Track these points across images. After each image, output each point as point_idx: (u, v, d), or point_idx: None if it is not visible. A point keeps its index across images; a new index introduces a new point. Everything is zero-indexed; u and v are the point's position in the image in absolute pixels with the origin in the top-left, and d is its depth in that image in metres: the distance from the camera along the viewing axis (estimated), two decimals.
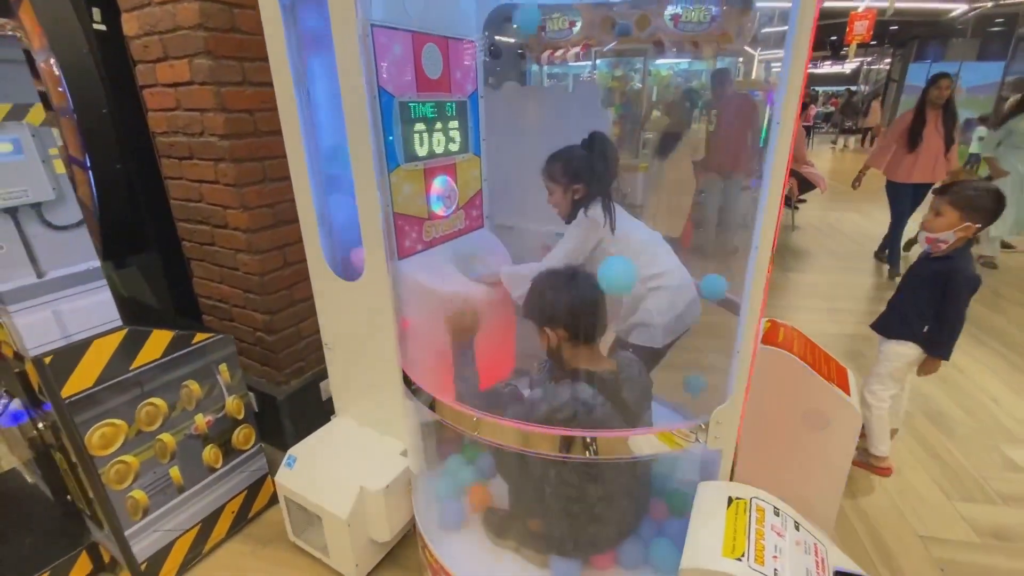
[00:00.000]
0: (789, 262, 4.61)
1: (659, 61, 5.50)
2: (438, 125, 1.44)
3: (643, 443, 1.02)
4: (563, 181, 1.51)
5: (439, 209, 1.49)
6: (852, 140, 14.16)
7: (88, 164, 2.03)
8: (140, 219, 2.17)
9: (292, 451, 1.62)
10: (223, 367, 1.63)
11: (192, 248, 2.11)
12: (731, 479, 1.19)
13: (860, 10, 10.92)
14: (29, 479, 1.85)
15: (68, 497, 1.58)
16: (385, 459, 1.54)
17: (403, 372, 1.24)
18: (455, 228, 1.60)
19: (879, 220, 5.92)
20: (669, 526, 1.29)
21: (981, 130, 8.72)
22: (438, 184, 1.47)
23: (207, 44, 1.64)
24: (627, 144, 5.43)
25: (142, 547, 1.48)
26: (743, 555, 0.81)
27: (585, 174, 1.48)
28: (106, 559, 1.59)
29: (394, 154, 1.30)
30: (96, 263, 1.31)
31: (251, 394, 2.11)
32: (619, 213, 1.54)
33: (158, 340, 1.45)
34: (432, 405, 1.13)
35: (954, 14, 11.48)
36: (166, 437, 1.51)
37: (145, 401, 1.44)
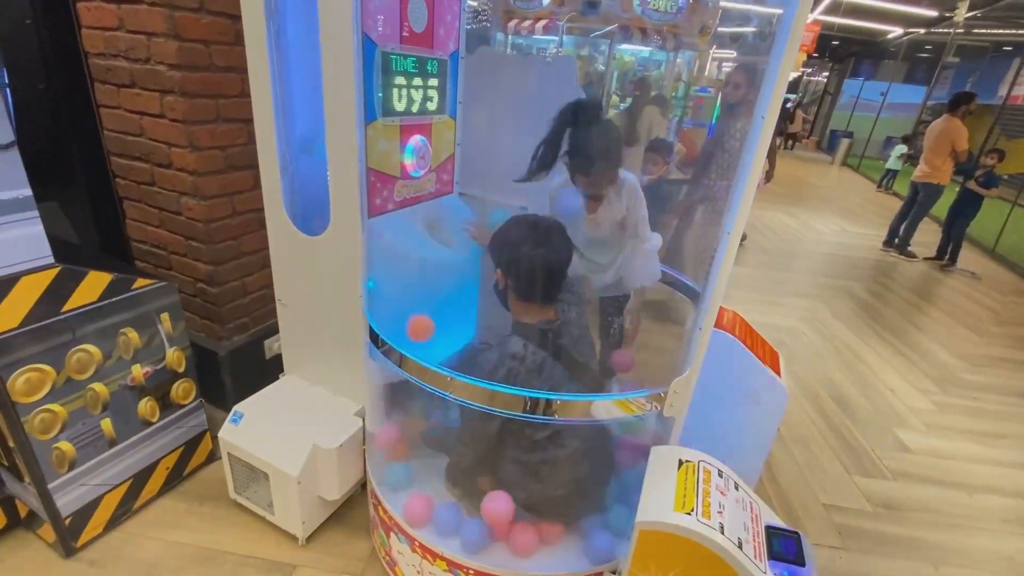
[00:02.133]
0: None
1: (624, 46, 5.56)
2: (418, 81, 1.39)
3: (603, 408, 1.07)
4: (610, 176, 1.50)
5: (413, 169, 1.46)
6: (778, 141, 15.07)
7: (6, 81, 1.79)
8: (65, 148, 1.95)
9: (238, 407, 1.56)
10: (164, 316, 1.53)
11: (127, 186, 1.93)
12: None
13: (808, 21, 11.53)
14: None
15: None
16: (338, 418, 1.53)
17: (371, 330, 1.22)
18: (426, 191, 1.57)
19: (804, 222, 6.40)
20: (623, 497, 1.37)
21: (900, 148, 9.55)
22: (414, 143, 1.44)
23: None
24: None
25: (66, 501, 1.39)
26: (692, 510, 0.89)
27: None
28: (23, 513, 1.48)
29: (372, 107, 1.25)
30: (27, 191, 1.18)
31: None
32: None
33: (94, 282, 1.33)
34: (401, 363, 1.12)
35: (890, 36, 12.36)
36: (98, 387, 1.40)
37: (77, 347, 1.33)
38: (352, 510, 1.67)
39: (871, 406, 2.62)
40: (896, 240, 5.53)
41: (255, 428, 1.51)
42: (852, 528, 1.85)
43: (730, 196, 0.93)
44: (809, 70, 19.35)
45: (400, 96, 1.34)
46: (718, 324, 1.63)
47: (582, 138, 1.37)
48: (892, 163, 9.63)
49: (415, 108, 1.42)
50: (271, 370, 1.85)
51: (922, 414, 2.60)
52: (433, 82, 1.46)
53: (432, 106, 1.49)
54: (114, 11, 1.62)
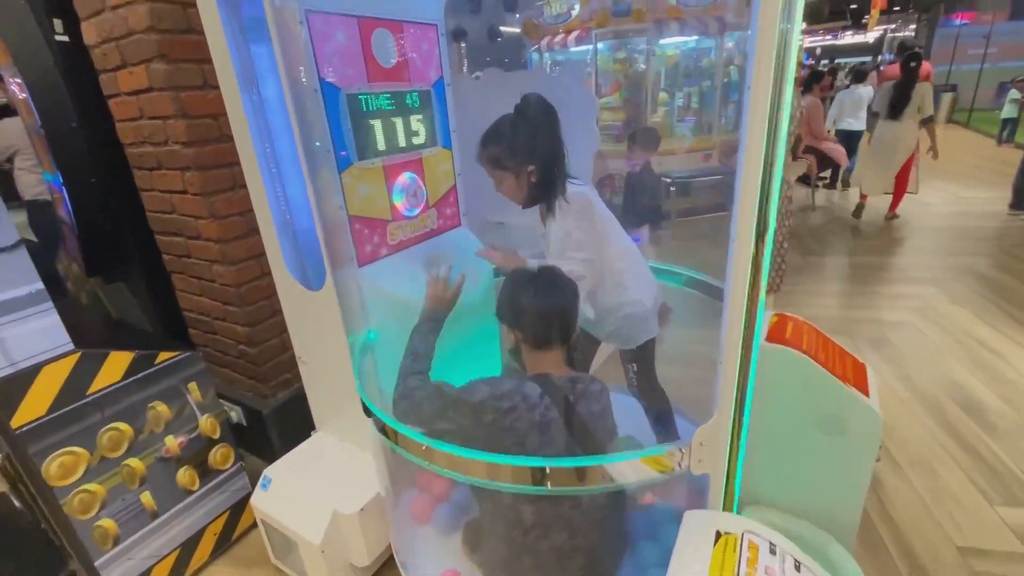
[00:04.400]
0: (810, 245, 4.37)
1: (665, 40, 5.30)
2: (398, 118, 1.32)
3: (625, 469, 0.89)
4: (511, 165, 1.30)
5: (404, 209, 1.38)
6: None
7: (61, 180, 1.98)
8: (120, 233, 2.12)
9: (268, 471, 1.54)
10: (192, 385, 1.55)
11: (171, 261, 2.05)
12: (735, 497, 1.06)
13: None
14: (17, 504, 1.82)
15: (43, 526, 1.54)
16: (362, 478, 1.45)
17: (361, 394, 1.14)
18: (426, 228, 1.49)
19: (908, 197, 5.58)
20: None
21: (1014, 92, 8.19)
22: (401, 182, 1.36)
23: (161, 47, 1.56)
24: (630, 128, 5.24)
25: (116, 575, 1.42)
26: None
27: (539, 148, 1.28)
28: None
29: (345, 152, 1.19)
30: (39, 285, 1.24)
31: (237, 408, 2.05)
32: (603, 216, 1.40)
33: (116, 362, 1.37)
34: (384, 430, 1.02)
35: None
36: (134, 462, 1.44)
37: (107, 426, 1.38)
38: (389, 571, 1.58)
39: (1014, 412, 2.11)
40: None
41: (283, 493, 1.48)
42: None
43: (733, 193, 0.73)
44: (892, 26, 17.42)
45: (378, 136, 1.28)
46: (779, 339, 1.36)
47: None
48: (1007, 111, 8.27)
49: (399, 145, 1.34)
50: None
51: None
52: (416, 116, 1.38)
53: (420, 140, 1.41)
54: (135, 102, 1.73)
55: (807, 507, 1.42)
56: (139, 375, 1.42)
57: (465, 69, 1.77)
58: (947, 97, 11.30)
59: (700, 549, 0.78)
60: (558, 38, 4.90)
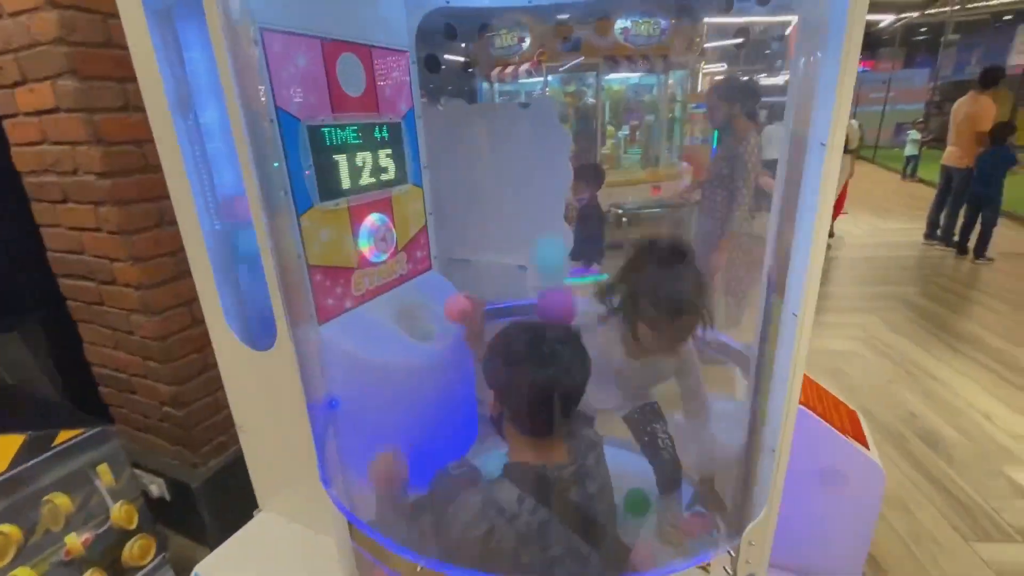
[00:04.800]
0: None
1: (611, 76, 5.43)
2: (365, 153, 1.16)
3: None
4: None
5: (372, 254, 1.21)
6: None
7: None
8: (13, 276, 1.78)
9: (199, 568, 1.27)
10: (103, 468, 1.28)
11: (79, 308, 1.74)
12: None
13: (792, 25, 11.40)
14: None
15: None
16: (319, 571, 1.22)
17: (326, 489, 0.94)
18: (396, 275, 1.32)
19: (837, 227, 5.99)
20: None
21: (913, 133, 9.14)
22: (369, 224, 1.19)
23: (72, 62, 1.32)
24: (584, 158, 5.30)
25: None
26: None
27: None
28: None
29: (305, 192, 1.02)
30: None
31: (159, 480, 1.75)
32: None
33: (2, 448, 1.09)
34: (359, 541, 0.83)
35: (882, 24, 12.13)
36: (23, 572, 1.14)
37: None
38: None
39: (968, 441, 2.19)
40: (938, 232, 5.08)
41: None
42: None
43: (790, 263, 0.64)
44: None
45: (343, 173, 1.11)
46: None
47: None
48: (909, 150, 9.21)
49: (366, 183, 1.18)
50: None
51: None
52: (385, 150, 1.22)
53: (389, 177, 1.25)
54: (36, 124, 1.46)
55: (811, 565, 1.35)
56: (31, 462, 1.14)
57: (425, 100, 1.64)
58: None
59: None
60: (508, 69, 4.89)
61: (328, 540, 1.31)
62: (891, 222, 6.16)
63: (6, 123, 1.54)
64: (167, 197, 1.51)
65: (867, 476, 1.25)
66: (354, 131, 1.12)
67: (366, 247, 1.19)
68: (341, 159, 1.09)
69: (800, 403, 1.27)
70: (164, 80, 1.10)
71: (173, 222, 1.57)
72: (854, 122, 5.32)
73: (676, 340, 1.15)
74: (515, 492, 0.84)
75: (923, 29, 12.45)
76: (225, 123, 1.11)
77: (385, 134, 1.22)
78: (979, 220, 4.50)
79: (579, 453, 0.91)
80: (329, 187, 1.07)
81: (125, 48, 1.13)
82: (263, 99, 0.93)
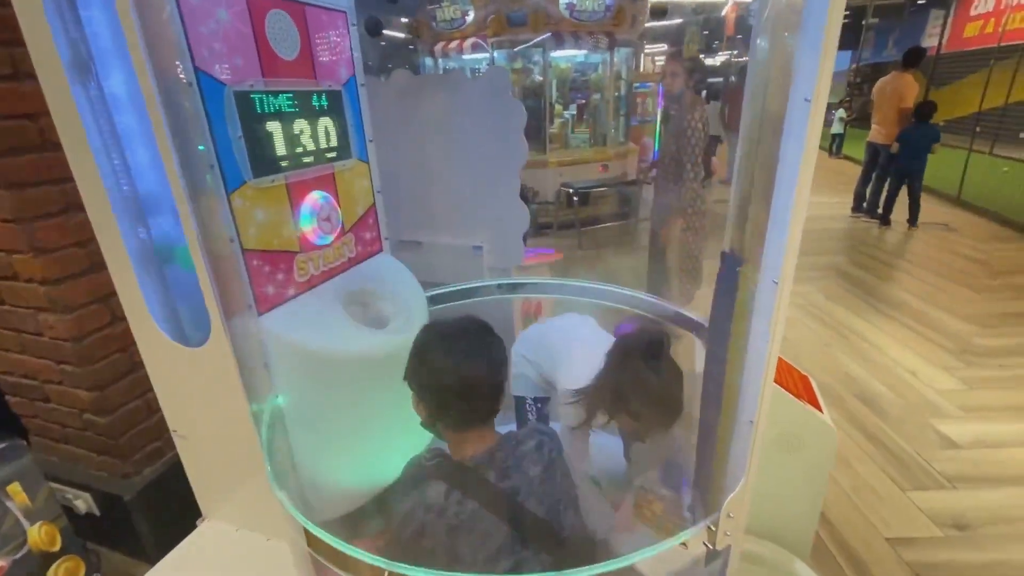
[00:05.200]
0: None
1: (557, 53, 5.38)
2: (302, 123, 1.05)
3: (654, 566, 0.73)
4: None
5: (316, 236, 1.11)
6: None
7: None
8: None
9: None
10: (14, 488, 1.13)
11: None
12: None
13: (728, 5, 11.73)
14: None
15: None
16: None
17: (276, 492, 0.86)
18: (343, 258, 1.22)
19: None
20: None
21: (840, 112, 9.68)
22: (311, 203, 1.09)
23: None
24: (534, 139, 5.25)
25: None
26: None
27: None
28: None
29: (235, 167, 0.91)
30: None
31: (84, 495, 1.58)
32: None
33: None
34: (311, 544, 0.76)
35: None
36: None
37: None
38: None
39: (899, 397, 2.35)
40: (864, 204, 5.42)
41: None
42: (928, 566, 1.54)
43: (768, 227, 0.61)
44: (735, 51, 19.79)
45: (278, 146, 1.00)
46: None
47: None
48: (836, 128, 9.76)
49: (305, 158, 1.07)
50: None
51: (953, 396, 2.34)
52: (325, 121, 1.12)
53: (330, 151, 1.15)
54: None
55: (767, 525, 1.40)
56: None
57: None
58: None
59: None
60: (453, 44, 4.73)
61: (282, 545, 1.23)
62: (820, 196, 6.51)
63: None
64: (70, 179, 1.35)
65: (821, 438, 1.30)
66: (289, 98, 1.01)
67: (308, 228, 1.09)
68: (275, 130, 0.98)
69: None
70: (57, 42, 0.94)
71: (81, 207, 1.41)
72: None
73: (663, 427, 1.17)
74: (443, 487, 0.83)
75: (846, 13, 13.12)
76: (135, 90, 0.97)
77: (324, 102, 1.11)
78: (907, 192, 4.82)
79: (513, 441, 0.91)
80: (263, 162, 0.96)
81: (8, 5, 0.96)
82: (179, 60, 0.81)
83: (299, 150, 1.05)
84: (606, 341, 1.33)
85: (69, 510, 1.53)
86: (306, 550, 0.82)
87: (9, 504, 1.13)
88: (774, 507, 1.40)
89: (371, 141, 1.30)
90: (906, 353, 2.71)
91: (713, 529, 0.68)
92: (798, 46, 0.51)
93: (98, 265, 1.44)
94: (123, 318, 1.51)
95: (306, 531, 0.79)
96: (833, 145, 9.94)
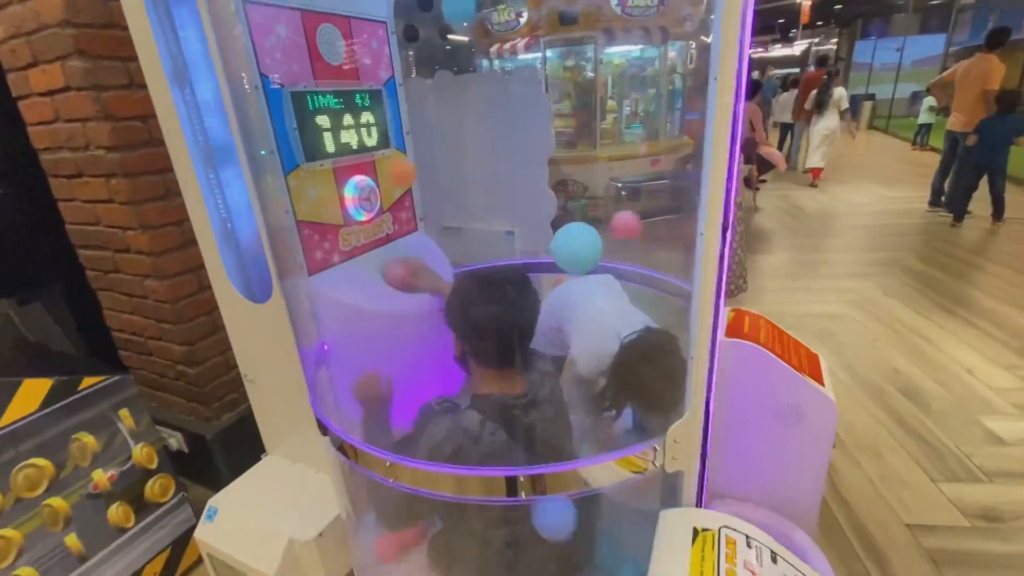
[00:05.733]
0: (753, 244, 4.56)
1: (610, 49, 5.42)
2: (347, 118, 1.26)
3: (599, 472, 0.86)
4: None
5: (357, 213, 1.31)
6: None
7: None
8: (35, 249, 1.93)
9: (213, 501, 1.42)
10: (123, 412, 1.42)
11: (97, 277, 1.88)
12: (702, 486, 1.05)
13: None
14: None
15: None
16: (319, 502, 1.36)
17: (314, 412, 1.06)
18: (382, 234, 1.42)
19: (836, 195, 5.98)
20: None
21: (929, 99, 8.93)
22: (354, 184, 1.30)
23: (78, 43, 1.43)
24: (584, 135, 5.33)
25: None
26: None
27: None
28: None
29: (291, 153, 1.12)
30: None
31: (177, 435, 1.90)
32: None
33: (31, 391, 1.23)
34: (342, 448, 0.95)
35: None
36: (56, 502, 1.29)
37: (23, 464, 1.22)
38: None
39: (948, 394, 2.26)
40: (943, 198, 5.05)
41: (231, 523, 1.36)
42: (948, 553, 1.52)
43: (700, 185, 0.72)
44: (816, 40, 18.66)
45: (327, 136, 1.21)
46: (738, 333, 1.39)
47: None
48: (923, 117, 9.02)
49: (351, 147, 1.28)
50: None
51: (1010, 394, 2.22)
52: (367, 116, 1.32)
53: (372, 141, 1.35)
54: (49, 103, 1.58)
55: (770, 497, 1.45)
56: (59, 404, 1.28)
57: (414, 73, 1.73)
58: (867, 105, 12.18)
59: (679, 548, 0.77)
60: (508, 45, 4.91)
61: (325, 477, 1.45)
62: (896, 190, 6.10)
63: (21, 104, 1.66)
64: (171, 169, 1.64)
65: (822, 410, 1.34)
66: (335, 97, 1.21)
67: (352, 205, 1.29)
68: (324, 123, 1.19)
69: (759, 344, 1.36)
70: (161, 57, 1.20)
71: (178, 193, 1.71)
72: (841, 89, 6.35)
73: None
74: (478, 418, 0.96)
75: None
76: (219, 95, 1.21)
77: (366, 100, 1.31)
78: (988, 190, 4.46)
79: (534, 384, 1.04)
80: (313, 149, 1.17)
81: (126, 28, 1.23)
82: (248, 67, 1.02)
83: (344, 140, 1.26)
84: (622, 310, 1.44)
85: (164, 447, 1.84)
86: (342, 471, 1.01)
87: (119, 425, 1.42)
88: (778, 478, 1.45)
89: (408, 133, 1.49)
90: (964, 350, 2.57)
91: (658, 449, 0.80)
92: (713, 30, 0.62)
93: (190, 242, 1.73)
94: (208, 288, 1.81)
95: (342, 447, 0.97)
96: (919, 135, 9.19)
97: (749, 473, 1.43)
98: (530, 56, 5.27)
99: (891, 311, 3.06)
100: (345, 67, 1.24)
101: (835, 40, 16.87)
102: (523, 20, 5.08)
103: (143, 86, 1.55)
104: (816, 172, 6.50)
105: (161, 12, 1.18)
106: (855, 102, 13.43)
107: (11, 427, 1.20)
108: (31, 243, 1.90)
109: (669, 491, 0.90)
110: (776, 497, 1.45)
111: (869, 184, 6.52)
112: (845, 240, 4.55)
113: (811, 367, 1.42)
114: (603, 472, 0.82)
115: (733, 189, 0.74)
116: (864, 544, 1.57)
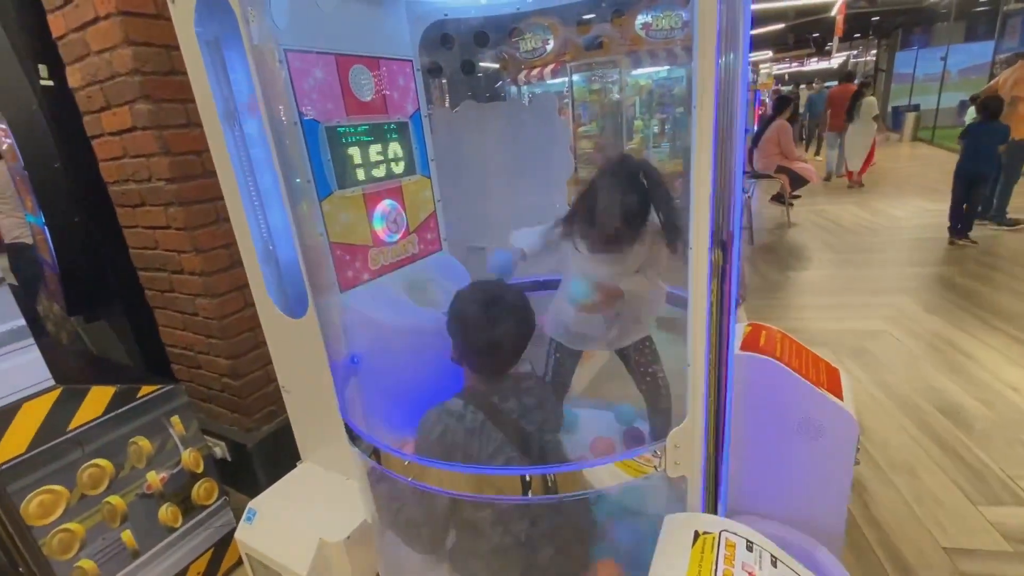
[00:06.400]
0: (788, 260, 4.48)
1: (636, 71, 5.51)
2: (376, 148, 1.37)
3: (603, 475, 0.91)
4: None
5: (385, 235, 1.42)
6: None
7: (44, 220, 2.00)
8: (102, 271, 2.12)
9: (253, 503, 1.52)
10: (175, 419, 1.55)
11: (154, 296, 2.06)
12: (722, 506, 1.07)
13: (837, 6, 10.94)
14: None
15: (20, 569, 1.49)
16: (348, 506, 1.44)
17: (343, 419, 1.15)
18: (408, 254, 1.52)
19: (876, 209, 5.81)
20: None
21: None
22: (382, 209, 1.40)
23: (144, 88, 1.61)
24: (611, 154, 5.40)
25: None
26: None
27: None
28: None
29: (325, 181, 1.24)
30: (20, 321, 1.25)
31: (221, 444, 2.03)
32: None
33: (98, 397, 1.37)
34: (375, 454, 1.04)
35: None
36: (114, 499, 1.42)
37: (88, 463, 1.36)
38: None
39: (991, 413, 2.17)
40: (991, 212, 4.84)
41: (268, 525, 1.46)
42: None
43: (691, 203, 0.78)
44: (855, 52, 18.26)
45: (357, 165, 1.32)
46: (754, 347, 1.41)
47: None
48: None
49: (379, 174, 1.39)
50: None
51: None
52: (395, 146, 1.43)
53: (399, 169, 1.46)
54: (119, 142, 1.77)
55: (794, 514, 1.44)
56: (120, 410, 1.42)
57: (447, 103, 1.87)
58: (911, 116, 11.79)
59: (679, 549, 0.80)
60: (535, 71, 5.07)
61: (355, 484, 1.53)
62: (940, 203, 5.86)
63: (95, 142, 1.87)
64: (221, 198, 1.81)
65: (841, 425, 1.34)
66: (365, 130, 1.33)
67: (380, 228, 1.40)
68: (355, 153, 1.31)
69: (775, 358, 1.38)
70: (215, 98, 1.34)
71: (227, 219, 1.87)
72: (872, 98, 7.07)
73: (610, 233, 1.28)
74: (462, 402, 1.07)
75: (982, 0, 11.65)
76: (261, 129, 1.35)
77: (394, 132, 1.43)
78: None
79: (516, 380, 1.14)
80: (346, 177, 1.29)
81: (185, 74, 1.39)
82: (288, 106, 1.15)
83: (373, 168, 1.37)
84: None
85: (210, 455, 1.98)
86: (367, 477, 1.09)
87: (171, 431, 1.55)
88: (799, 493, 1.45)
89: (433, 160, 1.60)
90: (1010, 368, 2.46)
91: (659, 454, 0.84)
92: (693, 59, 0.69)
93: (236, 263, 1.88)
94: (252, 305, 1.96)
95: (372, 452, 1.05)
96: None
97: (771, 489, 1.43)
98: (557, 81, 5.43)
99: (931, 327, 2.96)
100: (374, 102, 1.36)
101: (874, 51, 16.48)
102: (549, 47, 5.26)
103: (199, 124, 1.73)
104: (851, 174, 7.17)
105: (216, 60, 1.33)
106: (898, 114, 13.03)
107: (80, 429, 1.34)
108: (99, 266, 2.11)
109: (675, 497, 0.93)
110: (799, 514, 1.44)
111: (911, 197, 6.31)
112: (884, 255, 4.41)
113: (830, 382, 1.42)
114: (607, 474, 0.86)
115: (736, 206, 0.79)
116: (897, 565, 1.53)
